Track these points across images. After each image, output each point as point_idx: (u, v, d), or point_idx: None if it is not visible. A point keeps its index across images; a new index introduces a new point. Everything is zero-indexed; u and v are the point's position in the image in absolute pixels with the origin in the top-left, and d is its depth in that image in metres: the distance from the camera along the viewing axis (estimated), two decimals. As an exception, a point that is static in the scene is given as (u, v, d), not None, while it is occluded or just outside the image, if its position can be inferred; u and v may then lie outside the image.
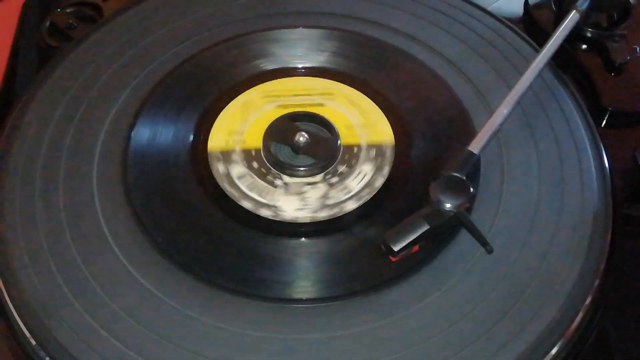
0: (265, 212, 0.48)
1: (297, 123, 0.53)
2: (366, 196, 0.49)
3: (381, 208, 0.49)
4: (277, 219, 0.48)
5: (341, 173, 0.51)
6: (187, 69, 0.56)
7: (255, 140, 0.52)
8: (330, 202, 0.49)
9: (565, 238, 0.47)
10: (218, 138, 0.52)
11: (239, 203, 0.49)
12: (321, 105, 0.54)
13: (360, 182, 0.50)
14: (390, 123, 0.53)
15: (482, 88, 0.55)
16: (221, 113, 0.53)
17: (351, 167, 0.51)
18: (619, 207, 0.50)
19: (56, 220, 0.47)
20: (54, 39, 0.61)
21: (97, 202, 0.48)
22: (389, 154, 0.52)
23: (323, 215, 0.48)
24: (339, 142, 0.52)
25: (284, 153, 0.52)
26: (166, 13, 0.60)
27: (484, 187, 0.49)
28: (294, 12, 0.60)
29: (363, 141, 0.52)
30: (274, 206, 0.49)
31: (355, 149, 0.52)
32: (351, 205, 0.49)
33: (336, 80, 0.56)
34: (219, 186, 0.50)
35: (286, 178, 0.50)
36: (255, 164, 0.51)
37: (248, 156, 0.51)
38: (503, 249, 0.46)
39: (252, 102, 0.54)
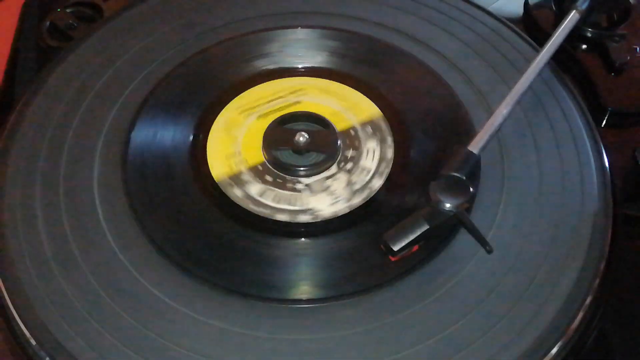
0: (304, 218, 0.48)
1: (290, 125, 0.53)
2: (386, 170, 0.50)
3: (381, 208, 0.49)
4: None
5: (352, 157, 0.51)
6: (187, 69, 0.56)
7: (255, 155, 0.52)
8: (357, 186, 0.50)
9: (565, 238, 0.47)
10: (219, 165, 0.51)
11: (273, 217, 0.48)
12: (298, 102, 0.54)
13: (373, 159, 0.51)
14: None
15: (482, 88, 0.55)
16: (208, 140, 0.52)
17: (357, 148, 0.52)
18: (619, 207, 0.50)
19: (57, 220, 0.47)
20: (54, 39, 0.61)
21: (97, 202, 0.48)
22: (384, 125, 0.53)
23: (358, 201, 0.49)
24: (336, 130, 0.52)
25: (287, 157, 0.52)
26: (166, 13, 0.60)
27: (484, 186, 0.49)
28: (293, 12, 0.60)
29: (355, 122, 0.53)
30: (310, 209, 0.49)
31: (352, 132, 0.53)
32: (378, 183, 0.50)
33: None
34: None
35: (304, 180, 0.50)
36: (268, 177, 0.50)
37: (257, 172, 0.51)
38: (502, 249, 0.46)
39: (232, 121, 0.53)
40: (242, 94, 0.55)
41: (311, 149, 0.52)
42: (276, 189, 0.50)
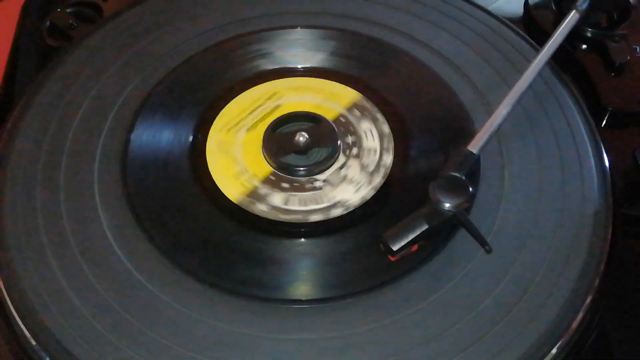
0: (336, 212, 0.48)
1: (283, 128, 0.53)
2: (390, 146, 0.51)
3: (381, 208, 0.49)
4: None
5: (354, 142, 0.52)
6: (187, 69, 0.56)
7: (262, 167, 0.51)
8: (371, 168, 0.50)
9: (565, 238, 0.47)
10: (232, 188, 0.50)
11: (307, 220, 0.48)
12: (278, 106, 0.54)
13: (374, 139, 0.52)
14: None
15: (482, 88, 0.55)
16: (209, 168, 0.51)
17: (354, 133, 0.53)
18: (619, 207, 0.50)
19: (57, 220, 0.47)
20: (54, 39, 0.61)
21: (97, 203, 0.48)
22: (368, 104, 0.54)
23: (379, 180, 0.50)
24: (329, 121, 0.52)
25: (293, 159, 0.52)
26: (165, 13, 0.60)
27: (484, 186, 0.49)
28: (293, 12, 0.60)
29: (340, 109, 0.54)
30: (338, 202, 0.49)
31: (342, 119, 0.53)
32: (388, 159, 0.51)
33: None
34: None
35: (320, 176, 0.51)
36: (285, 184, 0.50)
37: (272, 182, 0.50)
38: (502, 249, 0.46)
39: (223, 142, 0.52)
40: (221, 113, 0.54)
41: (313, 146, 0.52)
42: (298, 193, 0.50)
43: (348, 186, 0.50)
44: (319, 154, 0.52)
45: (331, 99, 0.55)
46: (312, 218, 0.48)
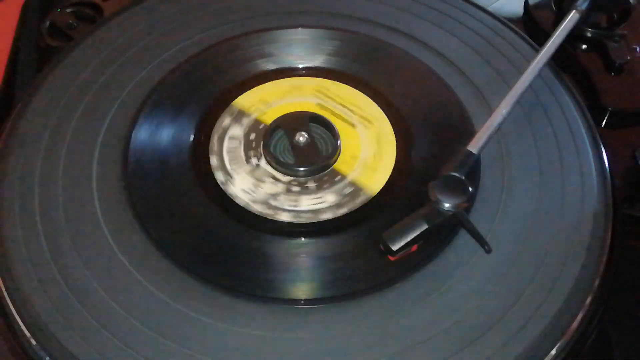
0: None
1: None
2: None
3: (381, 208, 0.49)
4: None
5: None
6: (187, 69, 0.56)
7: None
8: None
9: (565, 238, 0.47)
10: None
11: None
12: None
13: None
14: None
15: (482, 88, 0.55)
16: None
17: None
18: (619, 207, 0.50)
19: (56, 220, 0.47)
20: (54, 39, 0.61)
21: (97, 202, 0.48)
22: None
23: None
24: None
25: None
26: (166, 13, 0.60)
27: (484, 186, 0.49)
28: (293, 12, 0.60)
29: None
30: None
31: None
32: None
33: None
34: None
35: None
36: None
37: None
38: (502, 249, 0.46)
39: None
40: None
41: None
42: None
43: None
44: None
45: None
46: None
